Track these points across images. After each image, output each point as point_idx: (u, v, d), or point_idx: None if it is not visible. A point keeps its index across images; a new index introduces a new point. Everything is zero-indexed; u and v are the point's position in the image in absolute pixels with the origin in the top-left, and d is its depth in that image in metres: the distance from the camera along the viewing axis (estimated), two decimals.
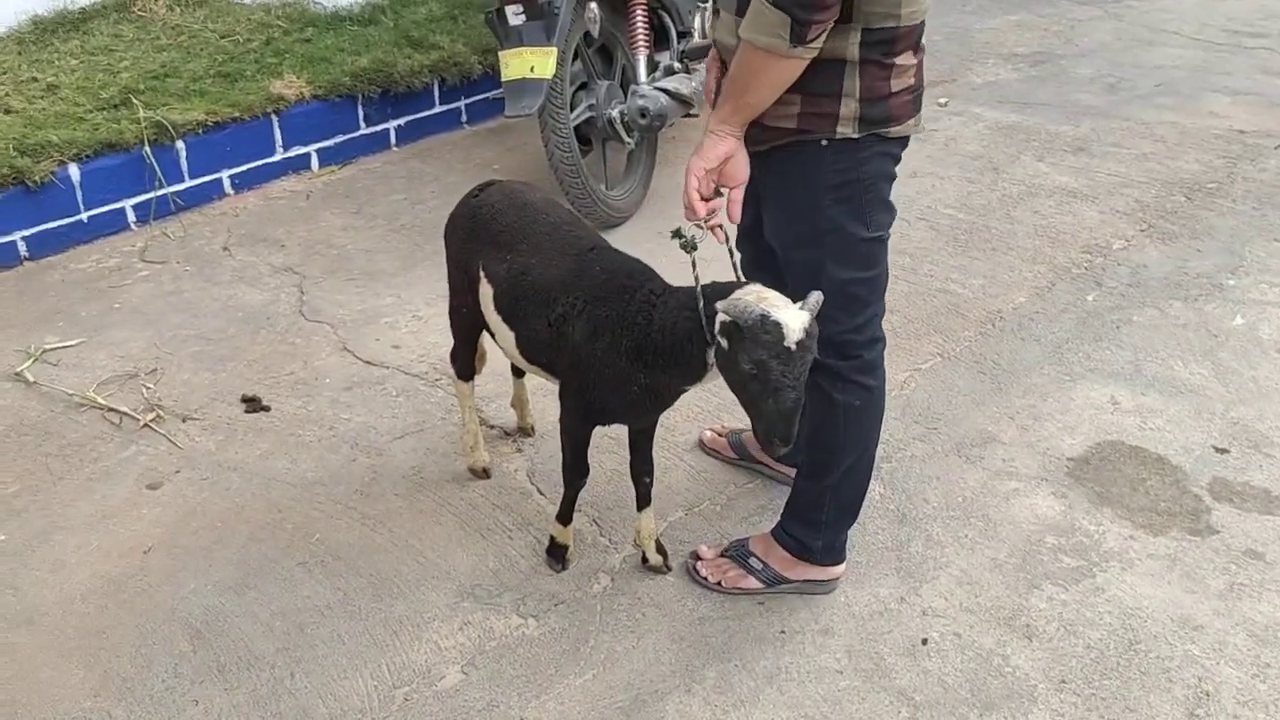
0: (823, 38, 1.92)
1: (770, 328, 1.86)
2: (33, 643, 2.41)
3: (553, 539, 2.60)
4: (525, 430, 3.05)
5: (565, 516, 2.56)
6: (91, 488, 2.86)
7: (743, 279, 2.19)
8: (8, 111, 4.12)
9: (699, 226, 2.15)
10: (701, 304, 2.05)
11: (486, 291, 2.49)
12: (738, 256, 2.28)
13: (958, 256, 3.94)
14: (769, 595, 2.50)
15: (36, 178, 3.82)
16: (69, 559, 2.64)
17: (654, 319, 2.16)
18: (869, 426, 2.39)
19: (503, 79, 3.77)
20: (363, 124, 4.75)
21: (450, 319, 2.75)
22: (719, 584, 2.52)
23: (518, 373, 2.95)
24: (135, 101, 4.21)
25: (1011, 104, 5.37)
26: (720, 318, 1.92)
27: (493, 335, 2.59)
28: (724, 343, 1.92)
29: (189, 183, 4.28)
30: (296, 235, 4.15)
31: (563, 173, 3.89)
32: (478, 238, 2.53)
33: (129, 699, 2.28)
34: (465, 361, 2.80)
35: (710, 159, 2.08)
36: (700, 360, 2.10)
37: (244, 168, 4.42)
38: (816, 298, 1.97)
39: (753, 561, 2.52)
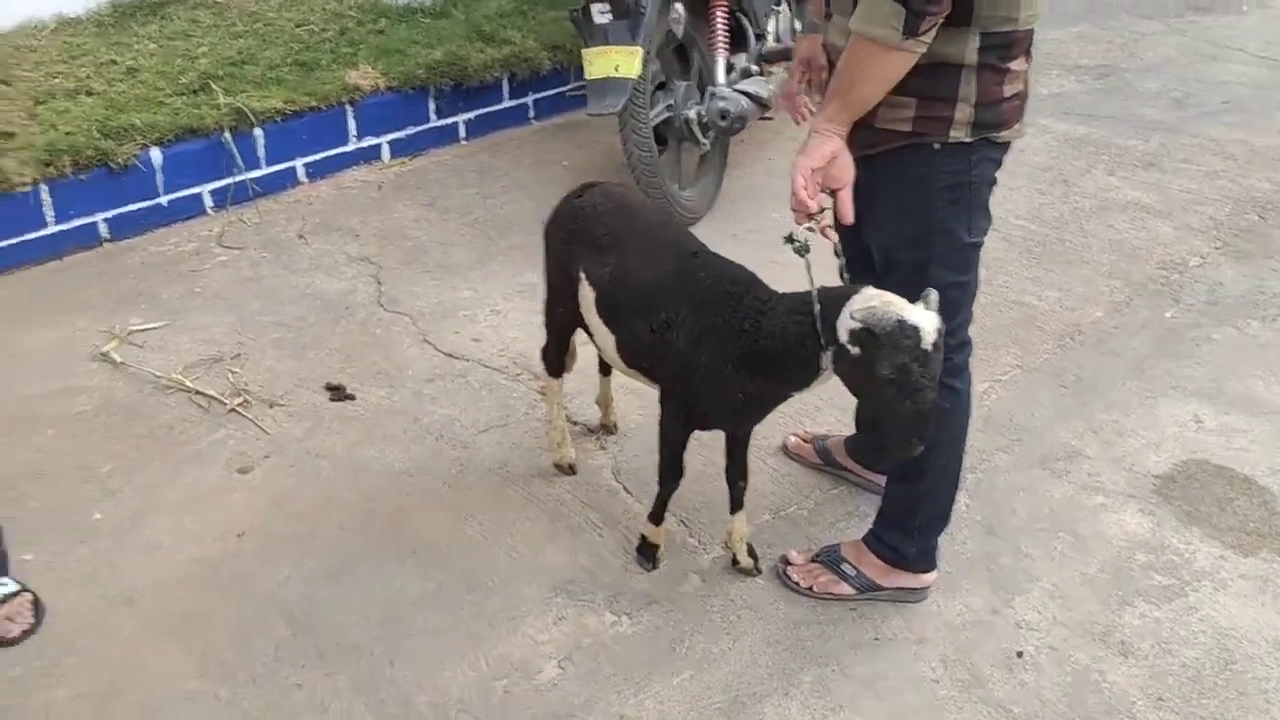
0: (933, 32, 1.93)
1: (909, 332, 1.87)
2: (133, 624, 2.44)
3: (644, 538, 2.61)
4: (608, 428, 3.06)
5: (658, 517, 2.58)
6: (182, 470, 2.90)
7: (847, 281, 2.21)
8: (89, 94, 4.15)
9: (810, 230, 2.16)
10: (818, 308, 2.06)
11: (587, 294, 2.49)
12: (843, 259, 2.28)
13: (1032, 269, 3.94)
14: (860, 601, 2.51)
15: (120, 160, 3.86)
16: (164, 540, 2.67)
17: (762, 325, 2.16)
18: (957, 430, 2.41)
19: (586, 77, 3.78)
20: (434, 116, 4.77)
21: (545, 317, 2.76)
22: (810, 589, 2.53)
23: (604, 370, 2.96)
24: (214, 87, 4.24)
25: (1078, 116, 5.35)
26: (851, 324, 1.93)
27: (591, 336, 2.61)
28: (855, 350, 1.93)
29: (264, 170, 4.31)
30: (370, 225, 4.18)
31: (640, 172, 3.89)
32: (579, 239, 2.53)
33: (231, 681, 2.30)
34: (557, 359, 2.81)
35: (817, 158, 2.08)
36: (813, 365, 2.10)
37: (318, 156, 4.45)
38: (935, 296, 1.98)
39: (845, 567, 2.52)
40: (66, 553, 2.60)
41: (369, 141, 4.59)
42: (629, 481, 2.88)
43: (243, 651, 2.37)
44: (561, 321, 2.69)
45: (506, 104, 5.03)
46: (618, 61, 3.67)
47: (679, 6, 3.86)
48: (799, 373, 2.13)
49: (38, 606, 2.42)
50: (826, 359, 2.06)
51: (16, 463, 2.82)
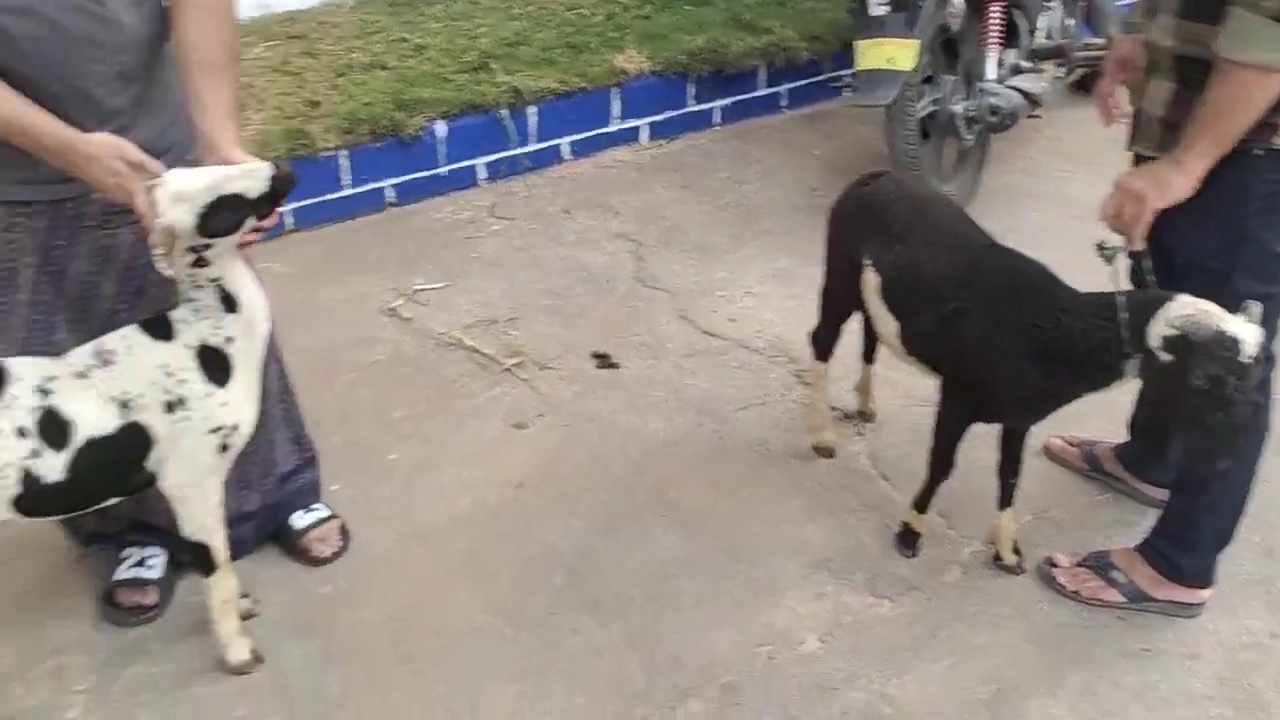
0: None
1: (1228, 343, 1.85)
2: (426, 558, 2.65)
3: (906, 525, 2.65)
4: (866, 415, 3.10)
5: (922, 505, 2.61)
6: (465, 422, 3.11)
7: (1152, 284, 2.19)
8: (383, 68, 4.47)
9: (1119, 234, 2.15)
10: (1126, 315, 2.05)
11: (872, 280, 2.54)
12: (1148, 262, 2.25)
13: None
14: (1128, 611, 2.48)
15: (410, 131, 4.14)
16: (450, 485, 2.87)
17: (1062, 323, 2.16)
18: (1252, 445, 2.33)
19: (857, 68, 3.81)
20: (691, 101, 4.89)
21: (821, 300, 2.83)
22: (1076, 593, 2.51)
23: (867, 358, 3.00)
24: (493, 66, 4.50)
25: None
26: (1166, 331, 1.92)
27: (870, 322, 2.66)
28: (1167, 357, 1.92)
29: (533, 146, 4.53)
30: (630, 204, 4.34)
31: (904, 164, 3.89)
32: (867, 226, 2.58)
33: (515, 621, 2.48)
34: (827, 344, 2.88)
35: (1169, 198, 2.06)
36: (1115, 369, 2.09)
37: (581, 136, 4.64)
38: (1258, 308, 1.94)
39: (1115, 574, 2.49)
40: (369, 488, 2.84)
41: (630, 123, 4.75)
42: (885, 468, 2.92)
43: (523, 594, 2.55)
44: (839, 307, 2.75)
45: (761, 92, 5.10)
46: (892, 54, 3.68)
47: (957, 1, 3.83)
48: (1100, 374, 2.13)
49: (345, 533, 2.67)
50: (1130, 365, 2.05)
51: (323, 403, 3.08)
